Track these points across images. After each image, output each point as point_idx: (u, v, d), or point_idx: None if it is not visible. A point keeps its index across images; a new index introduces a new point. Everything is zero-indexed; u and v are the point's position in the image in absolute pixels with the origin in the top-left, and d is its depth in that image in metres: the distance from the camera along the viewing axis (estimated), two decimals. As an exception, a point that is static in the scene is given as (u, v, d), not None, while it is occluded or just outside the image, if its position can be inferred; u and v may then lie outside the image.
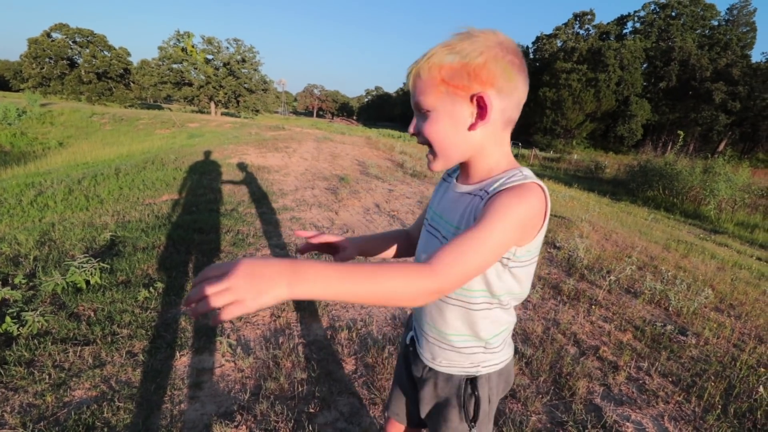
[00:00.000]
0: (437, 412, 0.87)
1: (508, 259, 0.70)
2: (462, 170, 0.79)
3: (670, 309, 3.00)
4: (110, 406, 1.62)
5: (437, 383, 0.85)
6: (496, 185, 0.68)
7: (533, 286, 3.12)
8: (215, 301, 0.45)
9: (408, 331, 0.97)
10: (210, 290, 0.46)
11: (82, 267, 2.53)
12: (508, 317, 0.81)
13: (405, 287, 0.54)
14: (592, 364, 2.19)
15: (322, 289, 0.50)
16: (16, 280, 2.47)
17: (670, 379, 2.14)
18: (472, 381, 0.81)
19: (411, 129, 0.75)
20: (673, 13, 46.41)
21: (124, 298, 2.40)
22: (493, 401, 0.84)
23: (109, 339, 2.04)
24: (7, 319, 2.04)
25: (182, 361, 1.94)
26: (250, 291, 0.46)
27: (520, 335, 2.41)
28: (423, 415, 0.90)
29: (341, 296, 0.51)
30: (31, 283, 2.50)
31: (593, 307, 2.87)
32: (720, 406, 1.95)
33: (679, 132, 17.90)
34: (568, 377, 2.03)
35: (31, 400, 1.64)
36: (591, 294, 3.08)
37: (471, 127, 0.69)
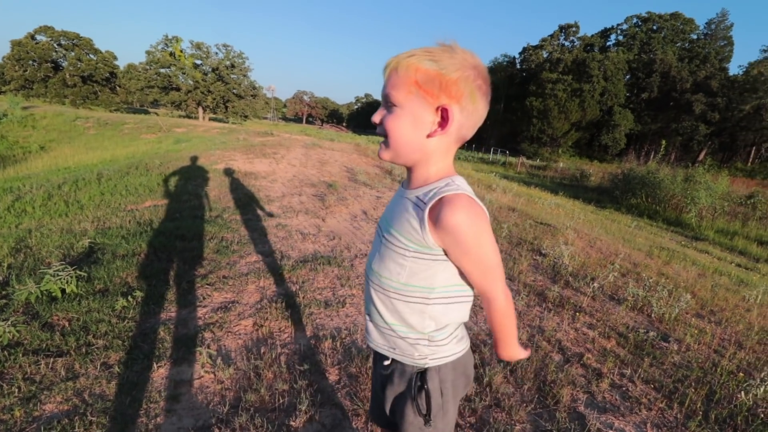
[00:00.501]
0: (397, 409, 0.90)
1: (436, 254, 0.76)
2: (407, 175, 0.83)
3: (653, 315, 3.04)
4: (82, 420, 1.56)
5: (394, 379, 0.89)
6: (431, 194, 0.74)
7: (518, 293, 3.13)
8: None
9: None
10: None
11: (58, 275, 2.45)
12: (453, 313, 0.83)
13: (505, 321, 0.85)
14: (576, 371, 2.20)
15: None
16: (-13, 289, 2.38)
17: (653, 386, 2.16)
18: (422, 374, 0.84)
19: (376, 118, 0.77)
20: (655, 27, 47.93)
21: (101, 307, 2.32)
22: (447, 394, 0.85)
23: (84, 350, 1.97)
24: (-24, 329, 1.96)
25: (160, 373, 1.88)
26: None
27: (506, 343, 2.41)
28: (388, 413, 0.94)
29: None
30: (3, 292, 2.41)
31: (577, 314, 2.89)
32: (701, 412, 1.97)
33: (661, 141, 18.36)
34: (552, 385, 2.03)
35: (-3, 415, 1.57)
36: (575, 301, 3.10)
37: (429, 135, 0.74)
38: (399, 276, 0.79)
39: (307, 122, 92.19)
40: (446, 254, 0.76)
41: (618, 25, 51.05)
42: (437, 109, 0.72)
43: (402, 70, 0.71)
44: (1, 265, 2.78)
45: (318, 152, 10.44)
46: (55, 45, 36.93)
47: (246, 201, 4.98)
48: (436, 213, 0.71)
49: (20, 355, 1.88)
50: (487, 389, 1.95)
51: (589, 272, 3.75)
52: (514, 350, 0.88)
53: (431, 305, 0.81)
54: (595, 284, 3.39)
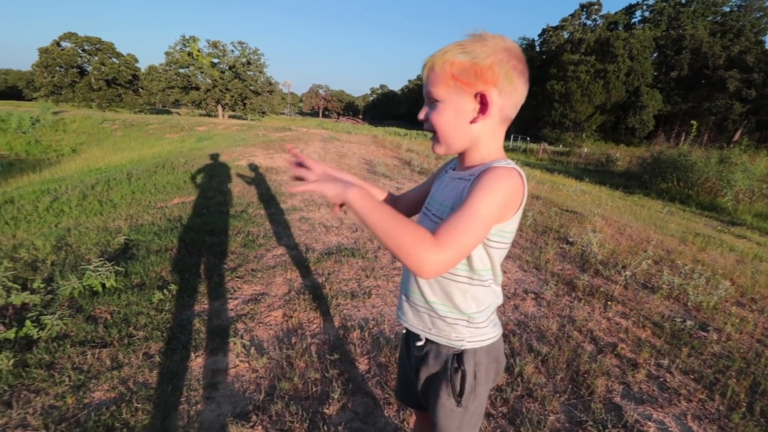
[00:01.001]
0: (430, 390, 0.91)
1: (488, 238, 0.77)
2: (459, 159, 0.87)
3: (689, 304, 2.94)
4: (128, 407, 1.64)
5: (429, 361, 0.90)
6: (482, 168, 0.77)
7: (546, 282, 3.08)
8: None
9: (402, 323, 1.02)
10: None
11: (98, 270, 2.56)
12: (491, 296, 0.86)
13: (414, 248, 0.65)
14: (610, 361, 2.15)
15: (356, 203, 0.69)
16: (35, 285, 2.51)
17: (692, 377, 2.09)
18: (458, 356, 0.86)
19: (421, 115, 0.83)
20: (684, 1, 45.41)
21: (139, 300, 2.42)
22: (480, 378, 0.87)
23: (126, 341, 2.06)
24: (27, 323, 2.08)
25: (197, 362, 1.95)
26: (325, 181, 0.72)
27: (535, 332, 2.38)
28: (420, 395, 0.95)
29: (368, 219, 0.68)
30: (49, 288, 2.54)
31: (609, 303, 2.82)
32: (745, 404, 1.90)
33: (692, 122, 17.54)
34: (585, 375, 2.00)
35: (52, 402, 1.67)
36: (606, 290, 3.03)
37: (472, 121, 0.78)
38: None
39: (323, 116, 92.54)
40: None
41: (643, 0, 48.70)
42: (476, 95, 0.76)
43: (438, 67, 0.76)
44: (45, 262, 2.93)
45: (336, 145, 10.48)
46: (79, 50, 38.21)
47: (269, 195, 5.07)
48: (476, 180, 0.75)
49: (68, 346, 1.99)
50: (519, 379, 1.93)
51: (620, 260, 3.64)
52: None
53: (474, 286, 0.83)
54: (627, 272, 3.30)
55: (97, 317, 2.27)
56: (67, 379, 1.78)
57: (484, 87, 0.74)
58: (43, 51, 36.71)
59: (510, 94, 0.76)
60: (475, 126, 0.78)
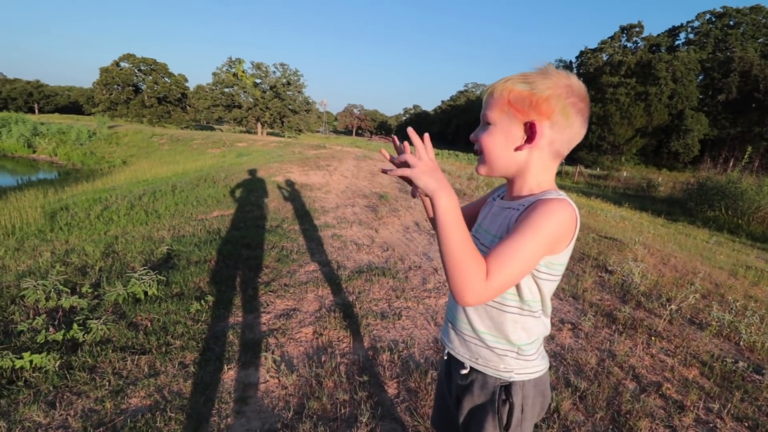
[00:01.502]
0: (473, 420, 0.90)
1: (536, 269, 0.77)
2: (507, 188, 0.89)
3: (741, 344, 2.72)
4: (163, 415, 1.69)
5: (474, 390, 0.89)
6: (532, 199, 0.77)
7: (584, 313, 2.94)
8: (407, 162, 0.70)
9: (445, 348, 1.00)
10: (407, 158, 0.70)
11: (142, 278, 2.70)
12: (540, 327, 0.85)
13: (469, 274, 0.65)
14: (654, 402, 2.01)
15: (444, 213, 0.66)
16: (83, 289, 2.67)
17: (746, 424, 1.92)
18: (507, 387, 0.85)
19: (473, 136, 0.86)
20: (731, 22, 43.60)
21: (178, 309, 2.52)
22: (527, 412, 0.86)
23: (164, 349, 2.14)
24: (74, 326, 2.21)
25: (230, 375, 1.99)
26: (426, 171, 0.68)
27: (572, 366, 2.27)
28: (460, 423, 0.93)
29: (446, 230, 0.66)
30: (95, 293, 2.70)
31: (653, 338, 2.65)
32: (811, 460, 1.71)
33: (747, 147, 16.56)
34: (627, 416, 1.88)
35: (92, 405, 1.74)
36: (649, 324, 2.86)
37: (518, 148, 0.79)
38: None
39: (357, 134, 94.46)
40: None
41: (688, 22, 47.15)
42: (526, 124, 0.77)
43: (497, 93, 0.79)
44: (94, 268, 3.12)
45: (369, 164, 10.65)
46: (136, 70, 41.27)
47: (303, 211, 5.19)
48: (527, 210, 0.75)
49: (110, 351, 2.09)
50: (555, 415, 1.84)
51: (664, 292, 3.44)
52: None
53: (525, 316, 0.82)
54: (672, 306, 3.10)
55: (138, 324, 2.38)
56: (107, 383, 1.87)
57: (537, 117, 0.76)
58: (104, 70, 39.91)
59: (563, 130, 0.77)
60: (520, 153, 0.79)
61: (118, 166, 16.83)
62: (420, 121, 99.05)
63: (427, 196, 0.75)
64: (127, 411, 1.73)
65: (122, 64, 40.95)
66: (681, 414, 1.94)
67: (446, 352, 0.98)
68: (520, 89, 0.76)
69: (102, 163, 18.56)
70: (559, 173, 29.15)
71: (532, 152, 0.79)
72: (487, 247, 0.85)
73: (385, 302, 2.85)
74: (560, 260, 0.77)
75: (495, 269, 0.66)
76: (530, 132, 0.77)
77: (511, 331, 0.83)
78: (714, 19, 44.98)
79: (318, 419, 1.73)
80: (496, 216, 0.87)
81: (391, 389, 1.96)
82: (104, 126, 25.91)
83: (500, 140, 0.80)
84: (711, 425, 1.90)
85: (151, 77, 41.32)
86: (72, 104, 73.26)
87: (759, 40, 42.32)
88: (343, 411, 1.78)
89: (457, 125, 72.48)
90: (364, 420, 1.71)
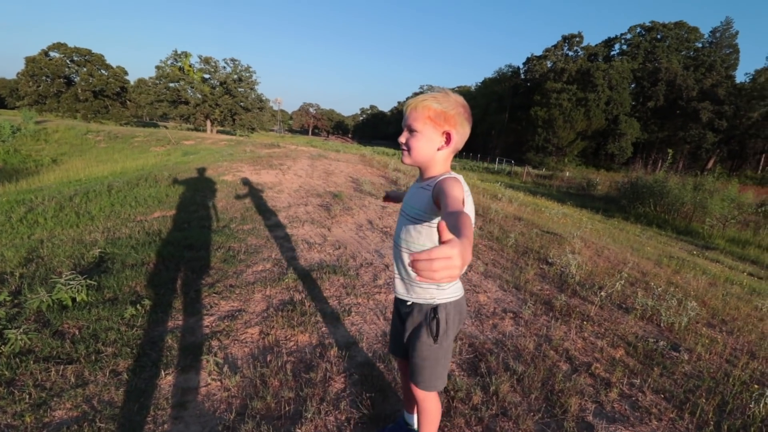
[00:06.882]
0: (413, 335, 1.30)
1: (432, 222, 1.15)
2: (421, 173, 1.26)
3: (662, 325, 3.00)
4: (91, 427, 1.58)
5: (413, 314, 1.29)
6: (437, 179, 1.12)
7: (524, 302, 3.11)
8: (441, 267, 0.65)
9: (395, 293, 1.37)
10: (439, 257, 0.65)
11: (69, 284, 2.49)
12: None
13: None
14: (584, 380, 2.17)
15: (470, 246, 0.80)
16: (0, 298, 2.42)
17: (663, 396, 2.13)
18: (435, 309, 1.25)
19: (402, 139, 1.21)
20: (659, 36, 47.97)
21: (111, 315, 2.36)
22: (449, 323, 1.25)
23: (93, 357, 1.99)
24: (-12, 337, 2.00)
25: (167, 381, 1.89)
26: (460, 254, 0.66)
27: (512, 351, 2.39)
28: (405, 340, 1.34)
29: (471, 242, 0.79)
30: (15, 301, 2.45)
31: (585, 323, 2.86)
32: (713, 423, 1.93)
33: (669, 150, 18.25)
34: (560, 394, 2.01)
35: (9, 420, 1.59)
36: (582, 310, 3.08)
37: (439, 148, 1.18)
38: (418, 239, 1.19)
39: (313, 134, 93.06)
40: (438, 207, 1.04)
41: (622, 34, 51.19)
42: (443, 133, 1.16)
43: (420, 109, 1.15)
44: (13, 274, 2.84)
45: (324, 163, 10.53)
46: (68, 61, 37.96)
47: (253, 211, 5.04)
48: (436, 187, 1.08)
49: (31, 362, 1.91)
50: (494, 398, 1.93)
51: (597, 281, 3.71)
52: None
53: None
54: (603, 293, 3.36)
55: (64, 332, 2.20)
56: (27, 396, 1.71)
57: (449, 128, 1.15)
58: (30, 60, 36.33)
59: (462, 134, 1.19)
60: (440, 153, 1.19)
61: (46, 165, 15.40)
62: (377, 121, 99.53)
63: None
64: (51, 424, 1.60)
65: (52, 53, 37.51)
66: (607, 390, 2.11)
67: (395, 297, 1.37)
68: (435, 107, 1.13)
69: (28, 161, 16.85)
70: (509, 173, 30.61)
71: (444, 150, 1.18)
72: (412, 217, 1.21)
73: (336, 299, 2.85)
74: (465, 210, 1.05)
75: (460, 208, 0.92)
76: (447, 138, 1.16)
77: None
78: (644, 33, 49.24)
79: (261, 418, 1.69)
80: (415, 194, 1.24)
81: (338, 384, 1.96)
82: (31, 121, 23.51)
83: (425, 143, 1.17)
84: (633, 399, 2.08)
85: (85, 69, 38.20)
86: (-8, 97, 65.76)
87: (682, 53, 46.92)
88: (287, 408, 1.76)
89: (413, 126, 73.41)
90: (309, 416, 1.70)
